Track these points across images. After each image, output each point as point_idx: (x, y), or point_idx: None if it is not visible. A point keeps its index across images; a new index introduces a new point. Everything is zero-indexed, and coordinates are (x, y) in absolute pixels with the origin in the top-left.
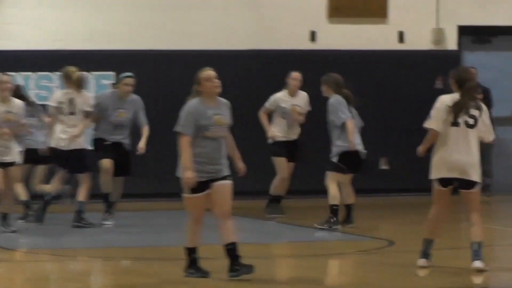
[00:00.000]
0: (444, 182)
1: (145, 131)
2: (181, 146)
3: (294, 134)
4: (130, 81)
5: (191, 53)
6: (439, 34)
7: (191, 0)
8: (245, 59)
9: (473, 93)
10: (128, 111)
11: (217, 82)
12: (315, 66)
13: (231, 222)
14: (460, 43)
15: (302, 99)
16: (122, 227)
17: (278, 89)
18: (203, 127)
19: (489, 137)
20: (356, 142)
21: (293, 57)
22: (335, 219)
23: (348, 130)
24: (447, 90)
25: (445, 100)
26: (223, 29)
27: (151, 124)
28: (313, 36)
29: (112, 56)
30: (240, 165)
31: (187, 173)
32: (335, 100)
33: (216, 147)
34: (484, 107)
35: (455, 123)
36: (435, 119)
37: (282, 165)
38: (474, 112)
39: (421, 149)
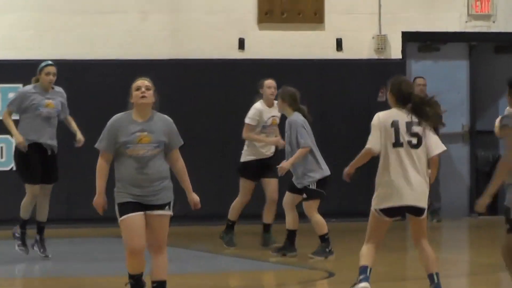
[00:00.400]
0: (390, 212)
1: (71, 120)
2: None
3: (271, 150)
4: (52, 69)
5: (105, 63)
6: (381, 41)
7: (103, 4)
8: (165, 69)
9: (422, 108)
10: (56, 102)
11: (146, 92)
12: (244, 77)
13: (163, 257)
14: (404, 51)
15: (278, 110)
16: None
17: (202, 102)
18: (123, 144)
19: (440, 149)
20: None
21: (219, 67)
22: (329, 248)
23: (296, 155)
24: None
25: (383, 117)
26: (140, 36)
27: (66, 140)
28: (241, 44)
29: (20, 66)
30: (192, 198)
31: (95, 197)
32: (300, 121)
33: (141, 168)
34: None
35: (397, 144)
36: (373, 138)
37: (248, 189)
38: (417, 129)
39: (347, 170)
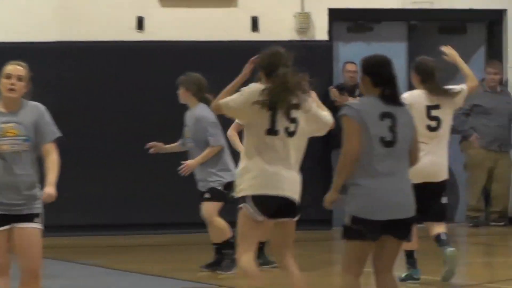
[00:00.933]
0: (266, 207)
1: None
2: None
3: None
4: None
5: None
6: (304, 20)
7: None
8: (51, 54)
9: (290, 85)
10: None
11: (16, 84)
12: (144, 62)
13: (37, 282)
14: (331, 32)
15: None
16: None
17: (94, 91)
18: None
19: (328, 123)
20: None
21: (115, 51)
22: (234, 257)
23: (205, 154)
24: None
25: (256, 90)
26: (23, 15)
27: None
28: (140, 23)
29: None
30: (48, 190)
31: None
32: (211, 117)
33: (8, 168)
34: (309, 99)
35: (272, 131)
36: (234, 101)
37: None
38: (295, 113)
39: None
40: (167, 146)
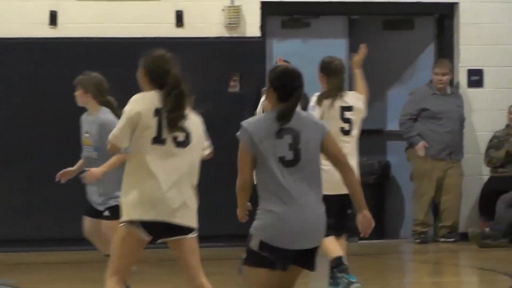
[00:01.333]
0: (149, 227)
1: None
2: None
3: None
4: None
5: None
6: (234, 15)
7: None
8: None
9: (181, 93)
10: None
11: None
12: (57, 61)
13: None
14: (264, 27)
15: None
16: None
17: (8, 91)
18: None
19: (208, 150)
20: None
21: (24, 49)
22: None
23: (112, 162)
24: (245, 94)
25: (144, 102)
26: None
27: None
28: (53, 18)
29: None
30: None
31: None
32: (114, 118)
33: None
34: (195, 116)
35: (158, 140)
36: (120, 131)
37: None
38: (185, 123)
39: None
40: (75, 168)
